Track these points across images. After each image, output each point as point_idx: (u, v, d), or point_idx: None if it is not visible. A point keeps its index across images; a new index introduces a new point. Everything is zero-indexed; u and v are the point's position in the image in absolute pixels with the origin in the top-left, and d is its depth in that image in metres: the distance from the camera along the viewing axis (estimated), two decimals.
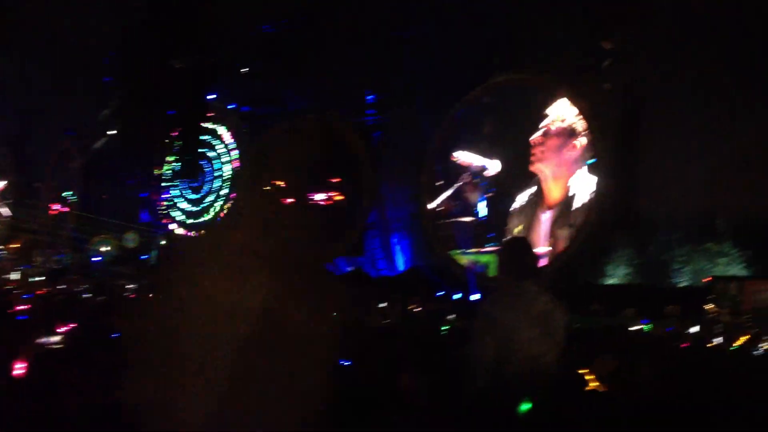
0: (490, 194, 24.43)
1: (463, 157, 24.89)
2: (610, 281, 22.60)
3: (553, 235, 22.40)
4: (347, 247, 29.09)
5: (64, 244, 32.93)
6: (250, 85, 33.38)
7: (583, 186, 22.09)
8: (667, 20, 23.15)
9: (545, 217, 22.91)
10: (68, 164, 35.79)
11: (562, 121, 22.99)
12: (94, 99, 35.36)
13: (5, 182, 35.42)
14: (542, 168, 23.06)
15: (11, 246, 34.21)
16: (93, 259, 31.41)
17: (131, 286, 18.51)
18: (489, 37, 25.70)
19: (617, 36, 22.93)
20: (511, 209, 23.96)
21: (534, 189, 23.47)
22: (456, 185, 25.02)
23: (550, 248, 22.12)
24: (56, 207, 35.33)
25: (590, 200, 21.77)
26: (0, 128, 35.88)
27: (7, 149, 35.66)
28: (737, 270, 20.68)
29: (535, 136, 23.24)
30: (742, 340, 9.39)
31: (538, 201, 23.35)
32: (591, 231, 21.52)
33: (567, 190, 22.47)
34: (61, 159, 36.57)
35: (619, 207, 21.95)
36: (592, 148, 22.07)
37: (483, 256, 23.62)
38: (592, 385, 3.44)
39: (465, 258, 24.23)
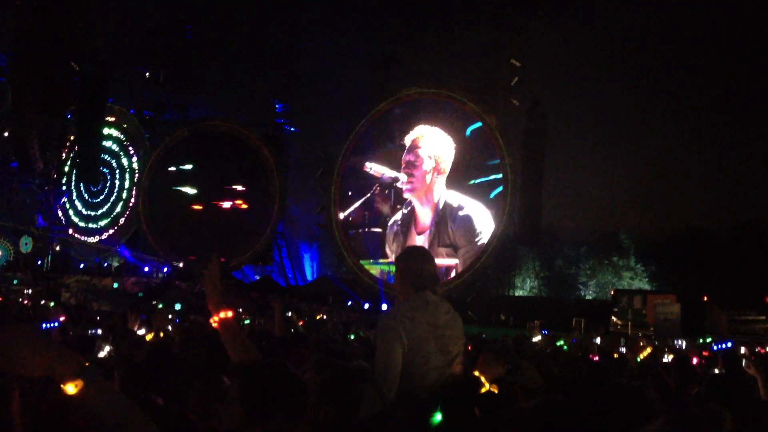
0: (399, 206, 24.52)
1: (374, 167, 24.89)
2: (518, 293, 23.03)
3: (432, 253, 22.76)
4: (254, 255, 28.70)
5: None
6: (152, 91, 32.74)
7: (457, 208, 22.73)
8: (572, 40, 23.96)
9: (420, 239, 23.31)
10: None
11: (426, 144, 23.58)
12: None
13: None
14: (413, 183, 23.56)
15: None
16: None
17: (27, 291, 17.63)
18: (396, 51, 25.99)
19: (522, 54, 23.56)
20: (386, 231, 24.47)
21: (405, 211, 24.00)
22: (366, 195, 25.00)
23: (456, 261, 22.41)
24: None
25: (468, 221, 22.45)
26: None
27: None
28: (641, 284, 21.41)
29: (405, 156, 23.79)
30: (646, 352, 9.56)
31: (410, 223, 23.81)
32: (497, 245, 21.90)
33: (437, 210, 23.05)
34: None
35: (525, 222, 22.44)
36: (500, 165, 22.50)
37: (394, 266, 23.59)
38: (486, 386, 3.37)
39: (376, 268, 24.21)
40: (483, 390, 3.41)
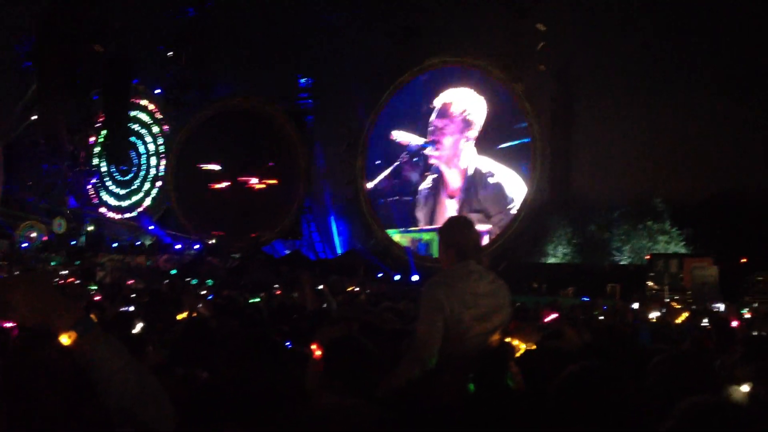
0: (428, 173, 24.44)
1: (401, 136, 24.77)
2: (550, 260, 22.82)
3: None
4: (283, 230, 28.83)
5: None
6: (177, 70, 32.85)
7: (487, 174, 22.60)
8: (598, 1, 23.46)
9: (450, 202, 23.24)
10: None
11: (457, 106, 23.40)
12: (13, 85, 34.22)
13: None
14: (440, 150, 23.51)
15: None
16: (21, 245, 30.32)
17: (63, 272, 17.89)
18: (418, 21, 25.71)
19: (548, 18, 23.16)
20: (417, 196, 24.51)
21: (435, 175, 23.99)
22: (394, 164, 24.93)
23: (489, 227, 22.31)
24: None
25: (499, 187, 22.31)
26: None
27: None
28: (677, 248, 21.06)
29: (433, 121, 23.66)
30: (684, 316, 9.41)
31: (439, 186, 23.81)
32: (529, 212, 21.74)
33: (466, 177, 22.95)
34: None
35: (556, 187, 22.21)
36: (528, 130, 22.25)
37: (426, 234, 23.59)
38: (522, 348, 3.34)
39: (406, 237, 24.20)
40: (519, 354, 3.38)
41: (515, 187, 22.26)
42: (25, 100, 33.54)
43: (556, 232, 22.83)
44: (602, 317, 10.45)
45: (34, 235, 30.73)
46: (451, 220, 3.96)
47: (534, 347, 3.42)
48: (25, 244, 30.23)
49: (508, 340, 3.46)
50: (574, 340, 4.18)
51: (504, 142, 22.66)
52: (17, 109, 33.95)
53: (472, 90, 23.33)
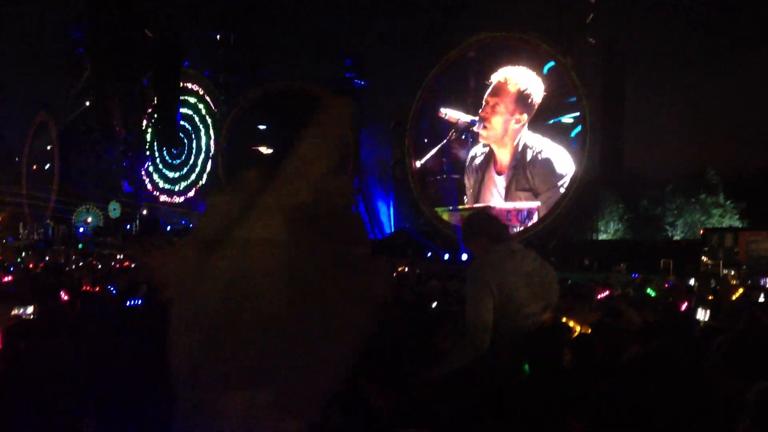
0: (477, 149, 24.24)
1: (449, 113, 24.58)
2: (602, 237, 22.50)
3: (510, 197, 22.76)
4: None
5: (48, 216, 32.57)
6: (225, 53, 33.17)
7: (536, 150, 22.29)
8: None
9: (499, 179, 23.00)
10: (46, 137, 35.32)
11: (514, 85, 23.03)
12: (66, 72, 34.95)
13: None
14: (488, 130, 23.23)
15: None
16: (78, 229, 31.15)
17: (119, 255, 18.30)
18: None
19: None
20: (465, 173, 24.34)
21: (485, 150, 23.76)
22: (443, 142, 24.77)
23: (537, 203, 22.07)
24: (38, 179, 34.87)
25: (548, 163, 21.98)
26: None
27: None
28: (731, 221, 20.58)
29: (486, 98, 23.35)
30: (740, 292, 9.18)
31: (488, 161, 23.58)
32: (579, 188, 21.41)
33: (515, 154, 22.68)
34: (38, 132, 36.05)
35: (607, 163, 21.81)
36: (578, 104, 21.87)
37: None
38: (578, 330, 3.29)
39: (455, 215, 24.07)
40: (575, 335, 3.34)
41: (564, 163, 21.93)
42: (79, 87, 34.27)
43: (607, 208, 22.50)
44: (655, 294, 10.29)
45: (90, 219, 31.54)
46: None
47: (589, 330, 3.39)
48: (82, 229, 31.04)
49: (564, 320, 3.43)
50: (633, 320, 4.13)
51: (553, 117, 22.31)
52: (71, 95, 34.71)
53: (528, 68, 22.92)
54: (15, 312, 4.83)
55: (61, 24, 34.84)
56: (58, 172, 34.26)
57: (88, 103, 34.29)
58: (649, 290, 10.49)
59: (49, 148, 35.48)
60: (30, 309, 5.07)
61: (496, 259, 3.45)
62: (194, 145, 33.83)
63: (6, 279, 8.83)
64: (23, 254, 18.24)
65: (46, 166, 35.13)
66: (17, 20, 33.19)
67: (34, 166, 35.63)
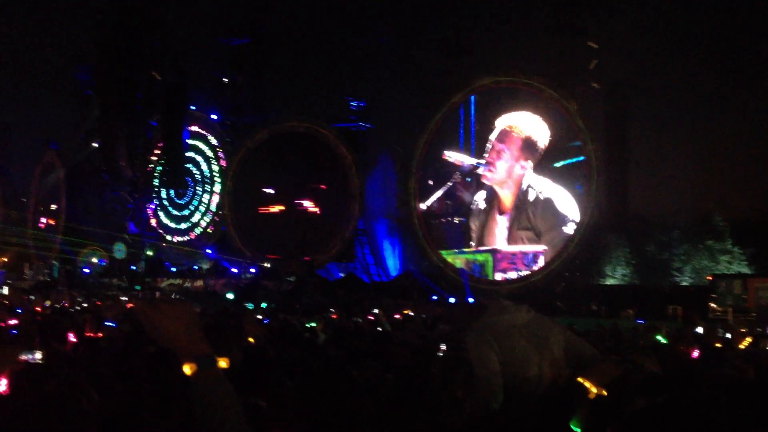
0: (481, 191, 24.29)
1: (454, 156, 24.67)
2: (609, 282, 22.37)
3: (512, 237, 22.74)
4: (337, 253, 28.94)
5: (53, 256, 32.60)
6: (231, 95, 33.54)
7: (538, 191, 22.31)
8: (649, 16, 23.14)
9: (501, 219, 23.01)
10: (52, 177, 35.53)
11: (519, 131, 23.15)
12: (73, 112, 35.35)
13: None
14: (493, 173, 23.29)
15: (0, 259, 33.86)
16: (83, 270, 31.14)
17: (123, 298, 18.27)
18: (467, 40, 25.71)
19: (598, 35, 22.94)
20: (470, 215, 24.37)
21: (488, 192, 23.80)
22: (448, 185, 24.80)
23: (543, 247, 22.01)
24: (43, 219, 34.99)
25: (550, 203, 21.99)
26: None
27: None
28: (739, 267, 20.44)
29: (492, 142, 23.46)
30: (748, 340, 9.07)
31: (492, 203, 23.61)
32: (584, 232, 21.37)
33: (519, 194, 22.72)
34: (45, 172, 36.27)
35: (612, 207, 21.80)
36: (582, 149, 21.95)
37: (480, 255, 23.36)
38: (594, 392, 3.17)
39: (460, 258, 24.00)
40: (591, 396, 3.23)
41: (567, 205, 21.92)
42: (87, 128, 34.55)
43: (613, 252, 22.40)
44: (666, 342, 10.16)
45: (95, 260, 31.52)
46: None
47: (604, 393, 3.27)
48: (87, 270, 31.02)
49: (580, 380, 3.33)
50: (654, 371, 4.04)
51: (558, 161, 22.38)
52: (79, 136, 34.98)
53: (532, 113, 23.05)
54: (23, 357, 4.83)
55: (69, 65, 35.31)
56: (64, 213, 34.35)
57: (95, 144, 34.55)
58: (659, 337, 10.36)
59: (55, 188, 35.65)
60: (38, 355, 5.07)
61: (489, 317, 3.48)
62: (200, 186, 33.97)
63: (11, 321, 8.76)
64: (30, 296, 18.21)
65: (52, 206, 35.25)
66: (26, 61, 33.65)
67: (41, 206, 35.76)
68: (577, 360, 3.47)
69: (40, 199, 36.11)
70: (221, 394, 1.80)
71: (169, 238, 33.79)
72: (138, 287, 24.58)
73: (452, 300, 20.03)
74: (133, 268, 30.34)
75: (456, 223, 24.76)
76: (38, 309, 12.83)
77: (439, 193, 24.99)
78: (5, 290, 20.26)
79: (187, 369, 1.78)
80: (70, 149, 35.54)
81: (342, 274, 28.14)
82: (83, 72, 34.60)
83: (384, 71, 27.30)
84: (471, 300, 19.69)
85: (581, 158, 21.91)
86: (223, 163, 33.31)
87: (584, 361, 3.41)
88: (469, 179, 24.51)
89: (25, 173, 37.02)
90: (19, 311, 11.22)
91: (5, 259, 34.02)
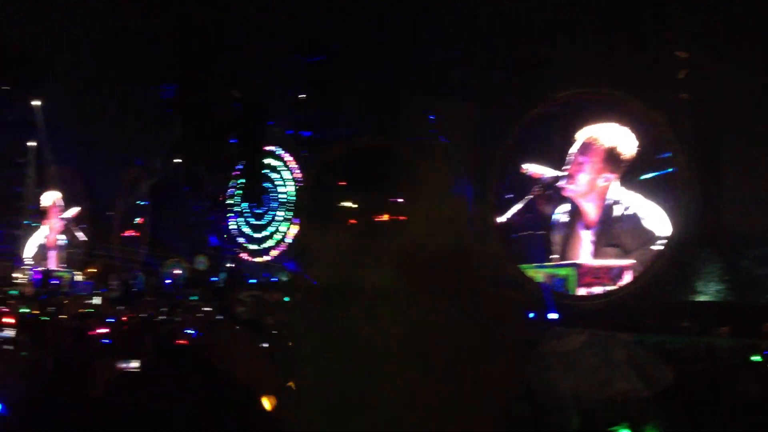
0: (563, 205, 23.73)
1: (532, 168, 24.20)
2: (701, 298, 21.43)
3: (598, 252, 22.05)
4: None
5: (138, 268, 33.58)
6: (306, 112, 33.97)
7: (624, 206, 21.62)
8: (741, 19, 22.27)
9: (586, 234, 22.36)
10: (136, 192, 36.66)
11: (602, 143, 22.48)
12: (156, 130, 36.48)
13: (78, 209, 36.41)
14: (574, 186, 22.69)
15: (88, 270, 35.17)
16: (166, 281, 31.98)
17: (206, 308, 18.52)
18: (546, 52, 25.28)
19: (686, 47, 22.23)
20: (551, 229, 23.81)
21: (569, 206, 23.19)
22: (526, 198, 24.34)
23: (631, 261, 21.30)
24: (128, 232, 36.12)
25: (637, 219, 21.27)
26: (69, 159, 37.22)
27: (77, 178, 36.77)
28: None
29: (574, 154, 22.85)
30: None
31: (575, 217, 22.96)
32: (674, 247, 20.58)
33: (603, 209, 22.05)
34: (130, 187, 37.46)
35: (704, 221, 20.94)
36: (671, 160, 21.18)
37: (561, 269, 22.77)
38: None
39: (541, 272, 23.46)
40: None
41: (656, 220, 21.14)
42: (169, 145, 35.59)
43: (706, 267, 21.47)
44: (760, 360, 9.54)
45: (178, 271, 32.31)
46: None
47: None
48: (169, 280, 31.81)
49: None
50: None
51: (646, 173, 21.64)
52: (161, 153, 36.06)
53: (616, 124, 22.41)
54: (120, 366, 4.90)
55: (152, 85, 36.47)
56: (148, 226, 35.37)
57: (177, 161, 35.54)
58: (756, 357, 9.71)
59: (139, 202, 36.76)
60: (135, 363, 5.14)
61: (547, 344, 3.53)
62: (277, 202, 34.49)
63: (101, 330, 8.89)
64: (119, 306, 18.64)
65: (137, 220, 36.36)
66: (111, 82, 34.98)
67: (126, 220, 36.96)
68: (642, 375, 3.38)
69: (125, 214, 37.27)
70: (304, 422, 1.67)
71: (247, 256, 34.40)
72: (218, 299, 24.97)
73: (531, 315, 19.50)
74: (214, 279, 30.97)
75: (536, 236, 24.26)
76: (125, 318, 13.10)
77: (518, 207, 24.56)
78: (98, 300, 20.80)
79: (267, 402, 1.67)
80: (154, 166, 36.60)
81: None
82: (166, 91, 35.68)
83: (460, 84, 27.04)
84: (553, 315, 19.15)
85: (670, 170, 21.13)
86: (298, 178, 33.72)
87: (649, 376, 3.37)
88: (549, 192, 24.02)
89: (111, 189, 38.27)
90: (110, 321, 11.46)
91: (93, 270, 35.27)
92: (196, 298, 25.34)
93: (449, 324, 0.95)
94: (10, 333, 6.15)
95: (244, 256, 34.34)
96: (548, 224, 24.02)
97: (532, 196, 24.18)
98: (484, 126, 26.74)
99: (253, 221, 35.20)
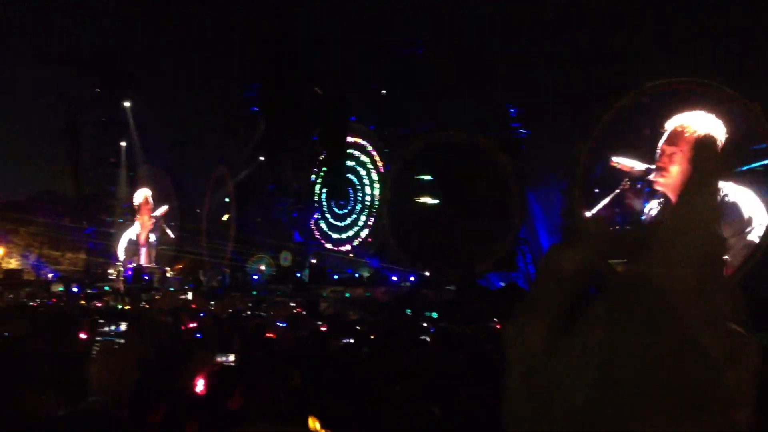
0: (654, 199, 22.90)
1: (622, 161, 23.46)
2: None
3: None
4: (497, 262, 28.38)
5: (225, 264, 34.27)
6: (389, 107, 33.91)
7: (721, 194, 20.51)
8: None
9: None
10: (223, 189, 37.43)
11: (692, 132, 21.40)
12: (241, 129, 37.15)
13: (167, 207, 37.44)
14: (666, 179, 21.70)
15: (177, 267, 36.15)
16: (252, 277, 32.57)
17: (292, 304, 18.79)
18: (634, 42, 24.48)
19: None
20: (642, 219, 22.87)
21: (662, 199, 22.21)
22: (615, 191, 23.60)
23: (726, 257, 20.34)
24: (215, 229, 36.95)
25: (735, 208, 20.15)
26: (158, 159, 38.36)
27: (166, 176, 37.80)
28: None
29: (662, 146, 21.89)
30: None
31: (667, 210, 21.98)
32: None
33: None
34: (216, 186, 38.26)
35: None
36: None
37: None
38: None
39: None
40: None
41: (754, 209, 20.11)
42: (253, 143, 36.20)
43: None
44: None
45: (263, 267, 32.86)
46: None
47: None
48: (256, 277, 32.38)
49: None
50: None
51: (740, 165, 20.63)
52: (246, 151, 36.72)
53: (707, 112, 21.45)
54: (219, 359, 5.00)
55: (236, 84, 37.15)
56: (234, 223, 36.11)
57: (261, 158, 36.10)
58: None
59: (225, 199, 37.51)
60: (232, 357, 5.26)
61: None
62: (359, 197, 34.60)
63: (192, 325, 9.07)
64: (210, 301, 19.09)
65: (224, 217, 37.14)
66: (197, 83, 35.86)
67: (213, 217, 37.82)
68: None
69: (212, 211, 38.13)
70: None
71: (330, 246, 34.65)
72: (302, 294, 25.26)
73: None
74: (298, 275, 31.32)
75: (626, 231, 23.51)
76: (218, 312, 13.39)
77: (606, 200, 23.87)
78: (189, 296, 21.33)
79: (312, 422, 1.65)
80: (239, 163, 37.31)
81: (503, 284, 27.55)
82: (249, 90, 36.29)
83: (545, 76, 26.47)
84: None
85: (766, 161, 20.12)
86: (381, 173, 33.77)
87: None
88: (639, 185, 23.24)
89: (199, 186, 39.27)
90: (202, 315, 11.75)
91: (181, 266, 36.26)
92: (280, 293, 25.77)
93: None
94: (122, 326, 6.32)
95: (329, 246, 34.66)
96: (638, 220, 23.24)
97: (620, 190, 23.46)
98: (570, 118, 26.16)
99: (336, 213, 35.49)
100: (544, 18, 26.93)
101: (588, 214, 24.40)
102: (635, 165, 23.30)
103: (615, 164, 23.83)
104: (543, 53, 27.08)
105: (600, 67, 25.69)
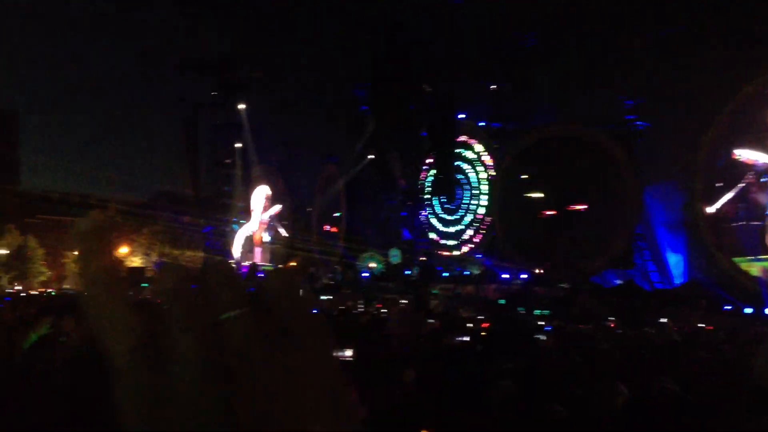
0: None
1: (746, 154, 22.31)
2: None
3: None
4: (612, 259, 27.51)
5: (335, 261, 34.83)
6: (498, 103, 33.58)
7: None
8: None
9: None
10: (333, 187, 38.04)
11: None
12: (350, 128, 37.72)
13: (281, 206, 38.41)
14: None
15: (289, 264, 36.92)
16: (362, 274, 32.94)
17: (403, 301, 18.88)
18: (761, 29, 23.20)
19: None
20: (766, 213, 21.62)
21: None
22: (739, 186, 22.48)
23: None
24: (326, 227, 37.64)
25: None
26: (270, 158, 39.45)
27: (278, 177, 38.83)
28: None
29: None
30: None
31: None
32: None
33: None
34: (327, 183, 38.91)
35: None
36: None
37: None
38: None
39: (756, 265, 21.58)
40: None
41: None
42: (363, 141, 36.66)
43: None
44: None
45: (373, 264, 33.23)
46: None
47: None
48: (366, 273, 32.78)
49: None
50: None
51: None
52: (356, 150, 37.24)
53: None
54: (335, 354, 5.07)
55: (347, 84, 37.72)
56: (344, 221, 36.68)
57: (370, 157, 36.46)
58: None
59: (336, 198, 38.12)
60: (349, 352, 5.33)
61: None
62: (468, 193, 34.43)
63: None
64: (321, 297, 19.47)
65: (334, 215, 37.78)
66: (308, 83, 36.75)
67: (324, 215, 38.57)
68: None
69: (323, 209, 38.85)
70: None
71: (438, 240, 34.72)
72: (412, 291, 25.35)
73: (750, 310, 18.09)
74: (408, 272, 31.43)
75: (750, 227, 22.35)
76: (327, 307, 13.65)
77: (729, 195, 22.80)
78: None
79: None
80: (349, 162, 37.83)
81: (619, 281, 26.68)
82: (360, 89, 36.73)
83: (662, 68, 25.53)
84: None
85: None
86: (490, 170, 33.48)
87: None
88: (764, 179, 22.08)
89: (310, 185, 40.13)
90: (315, 312, 12.02)
91: (294, 263, 37.11)
92: (390, 290, 25.99)
93: None
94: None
95: (437, 245, 34.71)
96: (764, 214, 22.09)
97: (744, 184, 22.39)
98: (691, 110, 25.13)
99: (445, 210, 35.49)
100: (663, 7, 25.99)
101: (710, 209, 23.37)
102: (759, 158, 22.12)
103: (737, 157, 22.69)
104: (665, 40, 26.17)
105: (721, 56, 24.52)
